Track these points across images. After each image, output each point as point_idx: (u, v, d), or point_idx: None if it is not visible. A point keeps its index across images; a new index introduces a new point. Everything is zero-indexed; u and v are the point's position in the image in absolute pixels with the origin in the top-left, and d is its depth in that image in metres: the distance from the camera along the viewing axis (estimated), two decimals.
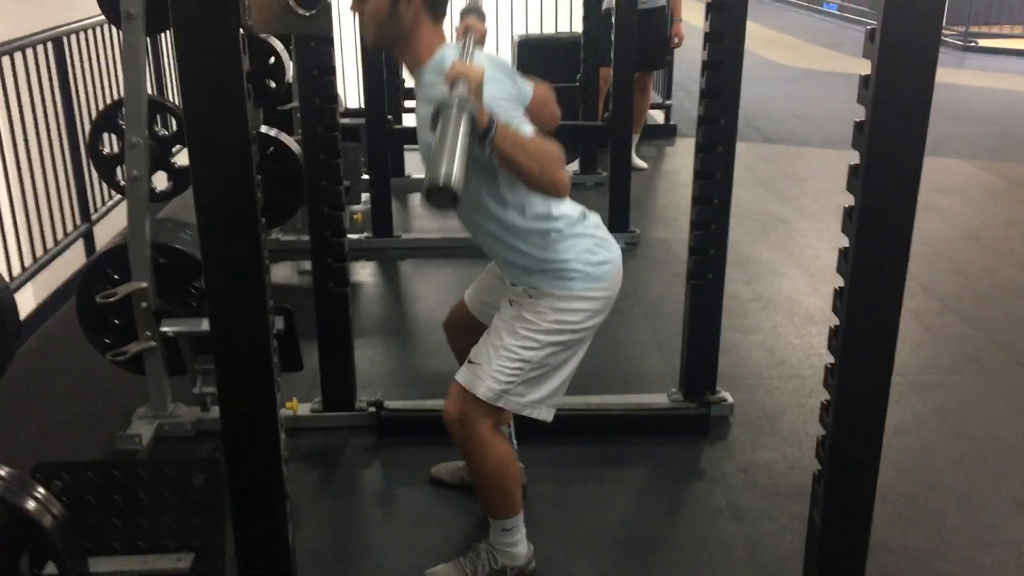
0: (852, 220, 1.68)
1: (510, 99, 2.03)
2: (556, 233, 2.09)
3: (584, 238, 2.12)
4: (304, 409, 3.02)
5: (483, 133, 1.82)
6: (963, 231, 5.00)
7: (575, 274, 2.10)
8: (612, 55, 4.57)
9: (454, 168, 1.56)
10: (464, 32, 2.21)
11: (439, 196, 1.56)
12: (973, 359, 3.56)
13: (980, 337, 3.73)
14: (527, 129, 1.99)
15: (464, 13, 2.42)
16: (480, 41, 2.23)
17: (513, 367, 2.10)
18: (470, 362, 2.16)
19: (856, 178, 1.65)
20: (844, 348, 1.74)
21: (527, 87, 2.21)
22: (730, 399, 3.08)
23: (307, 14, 1.47)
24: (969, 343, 3.69)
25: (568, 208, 2.13)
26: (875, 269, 1.69)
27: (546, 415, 2.19)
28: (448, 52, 2.05)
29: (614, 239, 2.21)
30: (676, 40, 5.91)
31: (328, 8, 1.51)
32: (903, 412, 3.13)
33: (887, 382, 1.78)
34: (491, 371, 2.10)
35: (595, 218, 2.20)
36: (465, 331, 2.40)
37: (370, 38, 2.10)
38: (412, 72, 2.14)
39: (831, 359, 1.80)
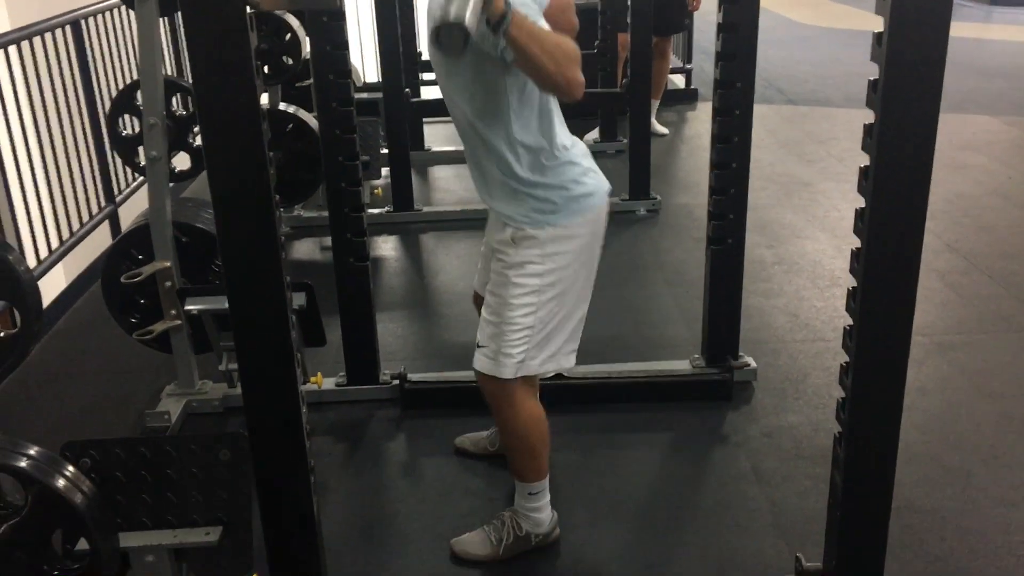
0: (868, 180, 1.66)
1: None
2: (547, 153, 2.05)
3: (572, 166, 2.09)
4: (328, 383, 3.06)
5: (498, 19, 1.70)
6: (989, 188, 4.92)
7: (557, 205, 2.07)
8: (629, 20, 4.53)
9: (467, 10, 1.56)
10: None
11: (448, 34, 1.56)
12: (1000, 317, 3.52)
13: (1007, 295, 3.69)
14: (544, 24, 1.89)
15: None
16: None
17: (519, 337, 2.11)
18: (479, 346, 2.18)
19: (871, 137, 1.63)
20: (862, 310, 1.73)
21: None
22: (753, 364, 3.07)
23: None
24: (996, 302, 3.65)
25: (563, 133, 2.10)
26: (892, 229, 1.67)
27: (566, 363, 2.21)
28: None
29: (602, 173, 2.17)
30: (694, 3, 5.84)
31: None
32: (928, 372, 3.11)
33: (906, 343, 1.77)
34: (502, 350, 2.12)
35: (583, 146, 2.17)
36: None
37: None
38: None
39: (850, 321, 1.79)
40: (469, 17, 1.55)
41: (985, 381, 3.07)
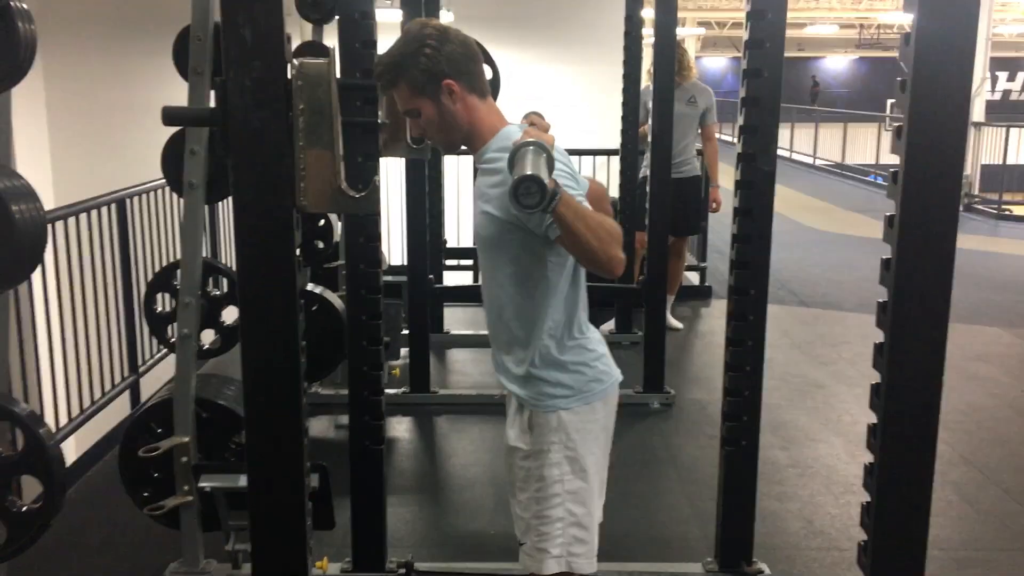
0: (879, 397, 1.71)
1: (574, 180, 2.05)
2: (568, 335, 2.11)
3: (587, 351, 2.15)
4: (334, 569, 3.00)
5: (549, 195, 1.80)
6: (1004, 401, 4.94)
7: (572, 389, 2.11)
8: (647, 221, 4.72)
9: (542, 168, 1.72)
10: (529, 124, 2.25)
11: (528, 189, 1.71)
12: (1018, 535, 3.46)
13: None
14: (587, 204, 1.99)
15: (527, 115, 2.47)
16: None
17: (555, 530, 2.10)
18: (520, 544, 2.17)
19: (881, 356, 1.69)
20: (876, 526, 1.73)
21: (585, 181, 2.22)
22: (767, 571, 3.01)
23: (358, 195, 1.58)
24: (1013, 518, 3.59)
25: (584, 318, 2.17)
26: (904, 445, 1.70)
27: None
28: (512, 129, 2.09)
29: (614, 361, 2.22)
30: (714, 205, 6.08)
31: (377, 188, 1.62)
32: None
33: (922, 559, 1.76)
34: (537, 545, 2.11)
35: (598, 333, 2.23)
36: None
37: (442, 144, 2.13)
38: (478, 156, 2.13)
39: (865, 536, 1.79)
40: (545, 175, 1.72)
41: None
